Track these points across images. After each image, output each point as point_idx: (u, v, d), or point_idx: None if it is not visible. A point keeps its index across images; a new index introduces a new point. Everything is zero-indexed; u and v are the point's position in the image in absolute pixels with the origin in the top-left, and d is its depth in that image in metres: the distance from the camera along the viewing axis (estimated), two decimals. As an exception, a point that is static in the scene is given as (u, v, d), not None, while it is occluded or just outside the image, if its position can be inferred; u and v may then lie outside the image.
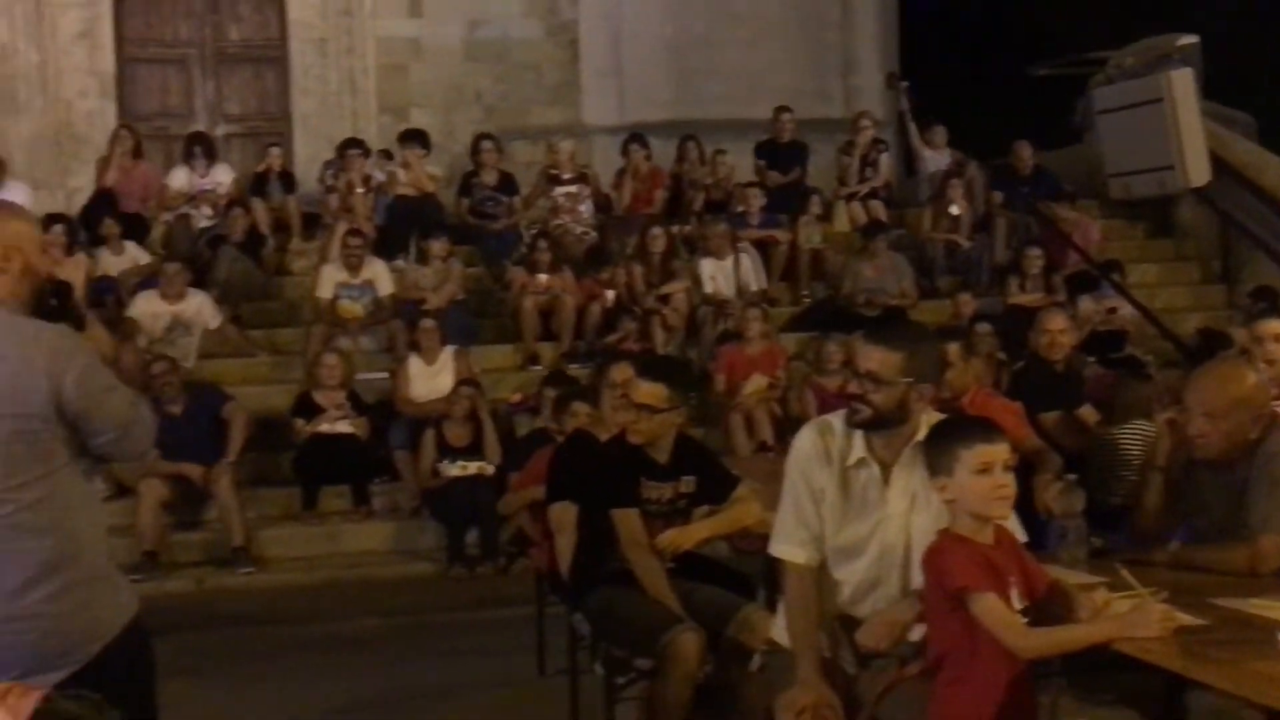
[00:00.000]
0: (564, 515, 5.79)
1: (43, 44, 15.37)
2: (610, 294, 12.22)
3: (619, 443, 5.49)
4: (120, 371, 4.18)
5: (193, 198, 13.30)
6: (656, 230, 12.70)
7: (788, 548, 4.08)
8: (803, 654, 3.99)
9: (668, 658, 5.04)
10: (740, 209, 13.46)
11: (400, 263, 12.43)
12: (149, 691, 3.72)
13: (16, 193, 12.40)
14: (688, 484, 5.49)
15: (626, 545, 5.30)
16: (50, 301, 3.78)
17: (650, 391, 5.30)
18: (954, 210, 13.72)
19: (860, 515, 4.04)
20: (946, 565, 3.59)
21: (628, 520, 5.30)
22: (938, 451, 3.73)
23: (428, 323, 11.15)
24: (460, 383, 10.59)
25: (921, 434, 3.98)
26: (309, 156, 14.91)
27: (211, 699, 6.34)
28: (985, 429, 3.76)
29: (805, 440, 4.12)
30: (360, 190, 13.01)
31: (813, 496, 4.04)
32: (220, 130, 15.48)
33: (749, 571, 5.79)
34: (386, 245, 12.61)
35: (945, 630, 3.66)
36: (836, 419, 4.13)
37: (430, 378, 10.82)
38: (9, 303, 3.57)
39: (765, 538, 5.64)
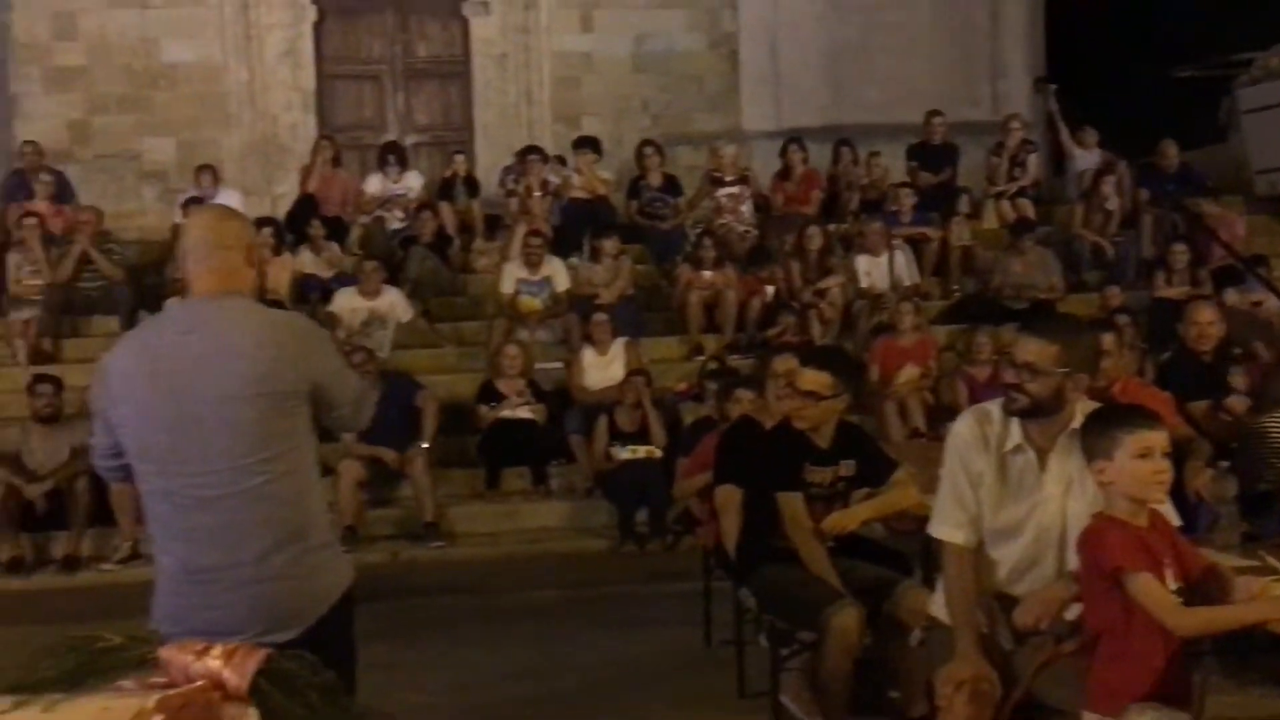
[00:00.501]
0: (729, 497, 5.81)
1: (251, 63, 15.78)
2: (770, 289, 12.19)
3: (783, 429, 5.49)
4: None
5: (386, 202, 13.57)
6: (813, 229, 12.64)
7: (947, 529, 4.04)
8: (961, 630, 3.95)
9: (829, 631, 5.04)
10: (893, 208, 13.33)
11: (575, 260, 12.53)
12: (353, 654, 3.82)
13: (229, 198, 12.79)
14: (848, 467, 5.47)
15: (790, 526, 5.30)
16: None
17: (815, 379, 5.30)
18: (1109, 206, 13.41)
19: (1016, 499, 3.99)
20: (1103, 546, 3.53)
21: (791, 503, 5.30)
22: (1098, 436, 3.66)
23: (600, 316, 11.24)
24: (630, 373, 10.67)
25: (1077, 422, 3.91)
26: (490, 163, 15.08)
27: (405, 662, 6.47)
28: (1146, 415, 3.70)
29: (964, 427, 4.07)
30: (538, 194, 13.14)
31: (971, 481, 3.99)
32: (409, 140, 15.71)
33: (905, 551, 5.74)
34: (562, 244, 12.71)
35: (1101, 609, 3.60)
36: (994, 406, 4.08)
37: (602, 368, 10.91)
38: (248, 294, 3.76)
39: (921, 519, 5.60)
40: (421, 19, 16.32)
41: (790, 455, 5.37)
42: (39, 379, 10.19)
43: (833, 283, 12.16)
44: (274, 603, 3.63)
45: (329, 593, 3.75)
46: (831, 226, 13.12)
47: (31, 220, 12.27)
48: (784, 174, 13.83)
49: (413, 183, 13.85)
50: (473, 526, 10.29)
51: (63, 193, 13.23)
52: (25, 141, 14.00)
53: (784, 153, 13.92)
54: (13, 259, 12.13)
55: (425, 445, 10.13)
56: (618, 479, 10.05)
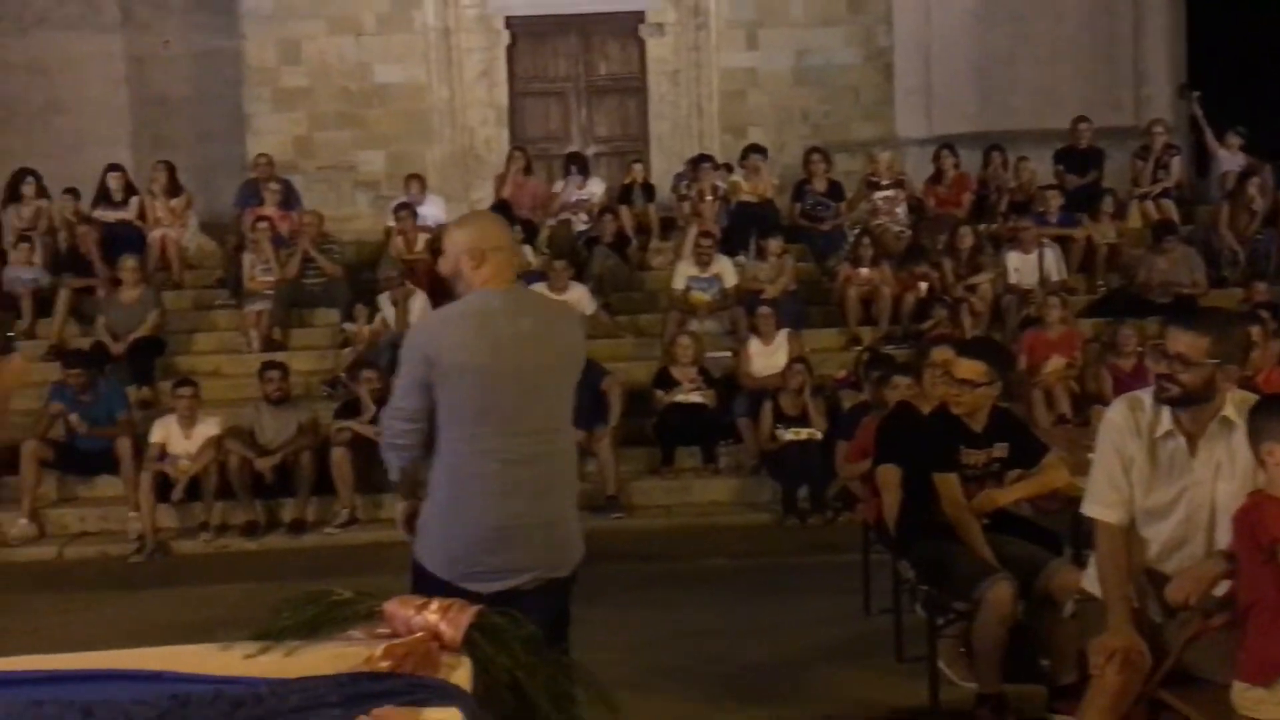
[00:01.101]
0: (889, 476, 5.74)
1: (452, 83, 16.05)
2: (924, 285, 12.00)
3: (940, 414, 5.42)
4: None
5: (571, 206, 13.69)
6: (965, 229, 12.42)
7: (1100, 508, 3.95)
8: (1114, 603, 3.86)
9: (985, 602, 4.97)
10: (1041, 209, 13.01)
11: (742, 259, 12.46)
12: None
13: (434, 204, 13.06)
14: (1001, 450, 5.39)
15: (947, 504, 5.23)
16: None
17: (971, 368, 5.23)
18: (1255, 207, 12.92)
19: (1167, 482, 3.88)
20: (1261, 520, 3.46)
21: (948, 483, 5.23)
22: (1272, 419, 3.58)
23: (765, 310, 11.18)
24: (792, 361, 10.60)
25: (1227, 410, 3.80)
26: (663, 170, 15.11)
27: (591, 620, 6.50)
28: None
29: (1117, 414, 3.97)
30: (709, 198, 13.11)
31: (1123, 464, 3.90)
32: (591, 150, 15.84)
33: (1053, 530, 5.63)
34: (730, 244, 12.65)
35: (1255, 582, 3.51)
36: (1145, 395, 3.97)
37: (767, 356, 10.86)
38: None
39: (1069, 500, 5.55)
40: (603, 40, 16.44)
41: (947, 438, 5.30)
42: (269, 365, 10.46)
43: (983, 279, 11.93)
44: (560, 546, 3.92)
45: (582, 544, 4.06)
46: (982, 226, 12.86)
47: (263, 224, 12.64)
48: (936, 178, 13.60)
49: (595, 189, 13.93)
50: (649, 500, 10.34)
51: (289, 199, 13.56)
52: (258, 154, 14.45)
53: (936, 158, 13.69)
54: (247, 258, 12.48)
55: (610, 426, 10.23)
56: (781, 458, 10.00)
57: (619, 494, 10.11)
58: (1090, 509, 3.99)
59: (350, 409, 10.15)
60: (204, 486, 9.86)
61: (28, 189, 13.20)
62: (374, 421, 9.70)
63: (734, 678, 6.00)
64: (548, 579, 3.85)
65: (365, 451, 9.53)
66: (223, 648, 3.27)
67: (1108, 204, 13.07)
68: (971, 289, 11.80)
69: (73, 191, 13.45)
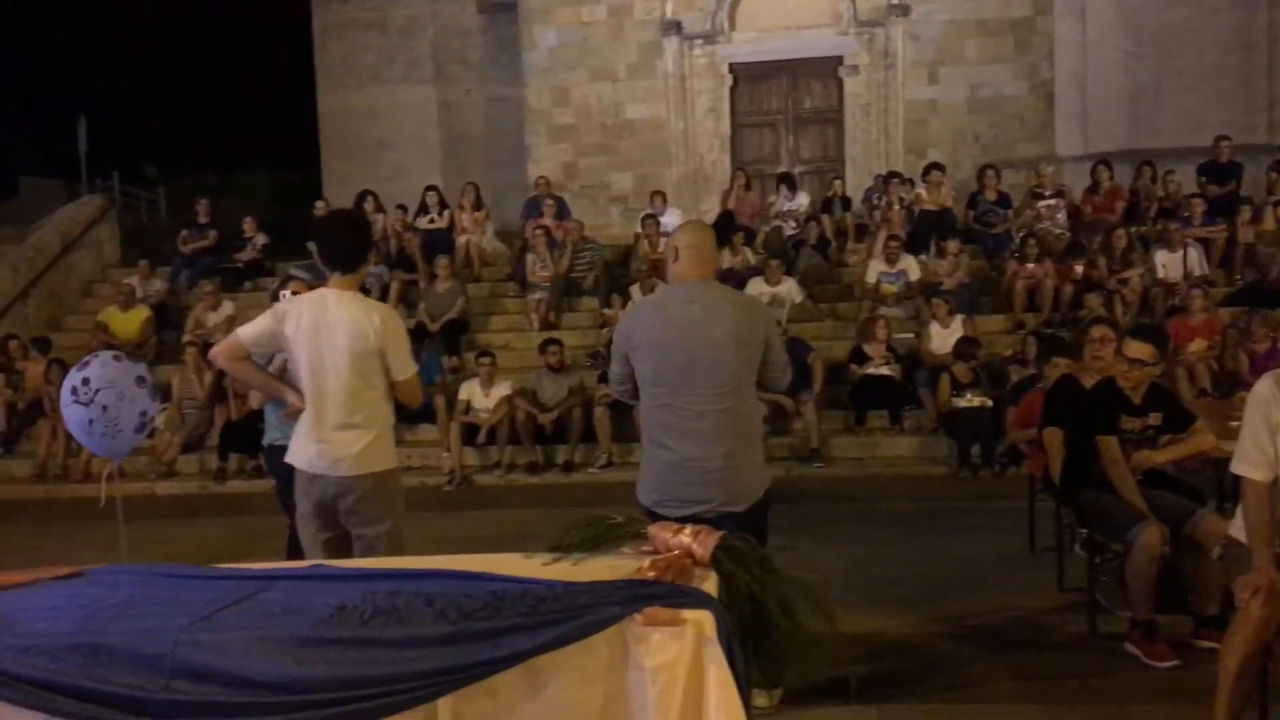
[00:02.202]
0: (1054, 437, 5.53)
1: (685, 117, 16.15)
2: (1078, 268, 11.44)
3: (1104, 386, 5.18)
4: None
5: (782, 215, 13.59)
6: (1119, 230, 11.77)
7: (1247, 467, 3.71)
8: (1258, 547, 3.63)
9: (1137, 543, 4.76)
10: (1185, 214, 12.22)
11: (924, 257, 12.13)
12: (765, 536, 3.98)
13: (673, 214, 13.16)
14: (1155, 418, 5.12)
15: (1106, 463, 5.00)
16: None
17: (1140, 349, 4.98)
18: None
19: (1305, 444, 3.63)
20: None
21: (1109, 444, 5.01)
22: None
23: (943, 299, 10.87)
24: (964, 339, 10.28)
25: None
26: (856, 185, 14.85)
27: (800, 548, 6.49)
28: None
29: (1264, 387, 3.72)
30: (896, 207, 12.82)
31: (1269, 430, 3.65)
32: (797, 169, 15.70)
33: (1196, 486, 5.32)
34: (914, 245, 12.33)
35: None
36: None
37: (945, 337, 10.55)
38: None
39: (1210, 460, 5.31)
40: (808, 81, 16.29)
41: (1109, 407, 5.06)
42: (549, 341, 10.65)
43: (1134, 273, 11.27)
44: (730, 484, 3.92)
45: (761, 486, 4.03)
46: (1133, 229, 12.18)
47: (540, 231, 12.98)
48: (1093, 189, 12.91)
49: (802, 201, 13.78)
50: (845, 453, 10.19)
51: (561, 212, 13.81)
52: (538, 177, 14.81)
53: (1093, 172, 13.00)
54: (529, 258, 12.80)
55: (815, 392, 10.13)
56: (957, 421, 9.71)
57: (820, 447, 9.98)
58: (1239, 468, 3.76)
59: (608, 375, 10.30)
60: (498, 434, 10.15)
61: (368, 205, 13.87)
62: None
63: (914, 598, 5.88)
64: (724, 511, 3.85)
65: (621, 409, 9.69)
66: (525, 557, 3.39)
67: (1245, 210, 12.20)
68: (1123, 282, 11.17)
69: (402, 208, 14.00)
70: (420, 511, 9.02)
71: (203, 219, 14.09)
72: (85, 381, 5.93)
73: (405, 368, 4.24)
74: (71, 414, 6.03)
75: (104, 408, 5.99)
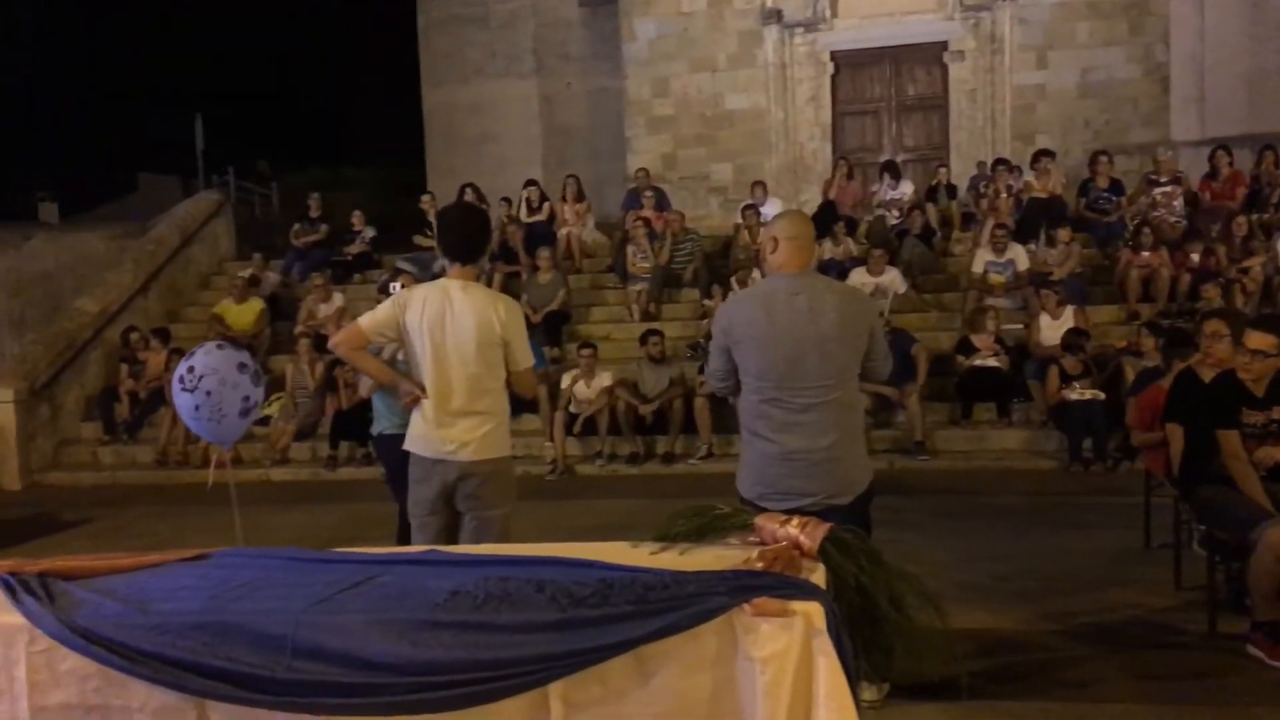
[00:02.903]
0: (1175, 431, 5.35)
1: (786, 107, 15.99)
2: (1194, 256, 11.04)
3: (1224, 378, 4.99)
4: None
5: (886, 204, 13.40)
6: (1240, 218, 11.31)
7: None
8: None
9: (1261, 542, 4.57)
10: (1310, 200, 11.72)
11: (1032, 246, 11.84)
12: (869, 528, 3.87)
13: (773, 205, 13.05)
14: (1279, 411, 4.90)
15: (1228, 457, 4.83)
16: None
17: (1262, 340, 4.79)
18: None
19: None
20: None
21: (1230, 439, 4.83)
22: None
23: (1053, 289, 10.58)
24: (1073, 331, 10.00)
25: None
26: (960, 173, 14.56)
27: (905, 541, 6.39)
28: None
29: None
30: (1003, 195, 12.53)
31: None
32: (900, 157, 15.43)
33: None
34: (1022, 233, 12.03)
35: None
36: None
37: (1055, 328, 10.28)
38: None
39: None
40: (911, 67, 16.00)
41: (1230, 400, 4.88)
42: (650, 331, 10.68)
43: (1255, 261, 10.83)
44: (835, 477, 3.87)
45: (865, 479, 3.95)
46: (1254, 216, 11.69)
47: (640, 223, 12.99)
48: (1211, 175, 12.44)
49: (905, 189, 13.56)
50: (950, 446, 10.01)
51: (661, 203, 13.82)
52: (638, 169, 14.84)
53: (1212, 157, 12.52)
54: (630, 249, 12.82)
55: (919, 384, 9.96)
56: (1068, 413, 9.46)
57: (925, 440, 9.82)
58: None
59: (707, 370, 10.29)
60: (599, 424, 10.23)
61: (468, 198, 14.03)
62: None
63: (1025, 595, 5.75)
64: (828, 505, 3.79)
65: (721, 400, 9.63)
66: (632, 546, 3.40)
67: (1373, 194, 11.65)
68: (1244, 271, 10.74)
69: (506, 200, 14.17)
70: (523, 500, 9.09)
71: (314, 213, 14.46)
72: (190, 370, 6.16)
73: (525, 358, 4.35)
74: (180, 401, 6.30)
75: (207, 393, 6.20)
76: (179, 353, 11.53)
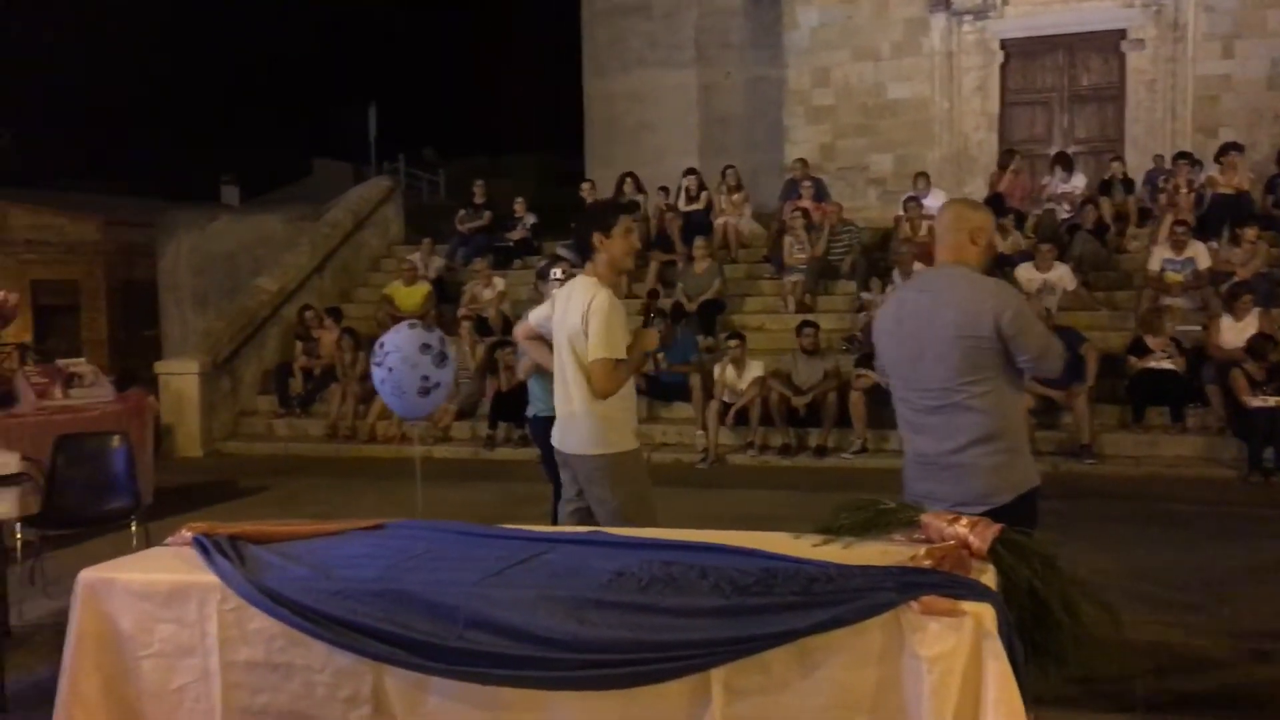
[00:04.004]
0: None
1: (951, 96, 15.63)
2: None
3: None
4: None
5: (1057, 197, 12.92)
6: None
7: None
8: None
9: None
10: None
11: (1214, 244, 11.22)
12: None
13: (937, 196, 12.72)
14: None
15: None
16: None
17: None
18: None
19: None
20: None
21: None
22: None
23: (1241, 289, 9.98)
24: (1259, 334, 9.43)
25: None
26: (1136, 166, 13.89)
27: (1069, 549, 6.11)
28: None
29: None
30: (1185, 190, 11.92)
31: None
32: (1071, 149, 14.86)
33: None
34: (1203, 230, 11.43)
35: None
36: None
37: (1238, 331, 9.71)
38: (972, 265, 3.72)
39: None
40: (1086, 56, 15.43)
41: None
42: (805, 323, 10.57)
43: None
44: (963, 484, 3.66)
45: (1014, 486, 3.66)
46: None
47: (798, 213, 12.87)
48: None
49: (1078, 182, 13.06)
50: (1119, 450, 9.58)
51: (820, 194, 13.67)
52: (796, 159, 14.69)
53: None
54: (786, 240, 12.71)
55: (1087, 384, 9.57)
56: (1249, 421, 8.92)
57: (1092, 443, 9.43)
58: None
59: (866, 360, 10.13)
60: (751, 414, 10.18)
61: (627, 187, 14.19)
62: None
63: (1201, 607, 5.47)
64: (962, 512, 3.56)
65: (878, 395, 9.50)
66: (794, 537, 3.38)
67: None
68: None
69: (664, 189, 14.26)
70: (673, 487, 9.19)
71: (478, 200, 14.83)
72: (381, 345, 6.58)
73: (592, 350, 4.27)
74: (374, 374, 6.72)
75: (390, 369, 6.58)
76: (350, 332, 12.04)
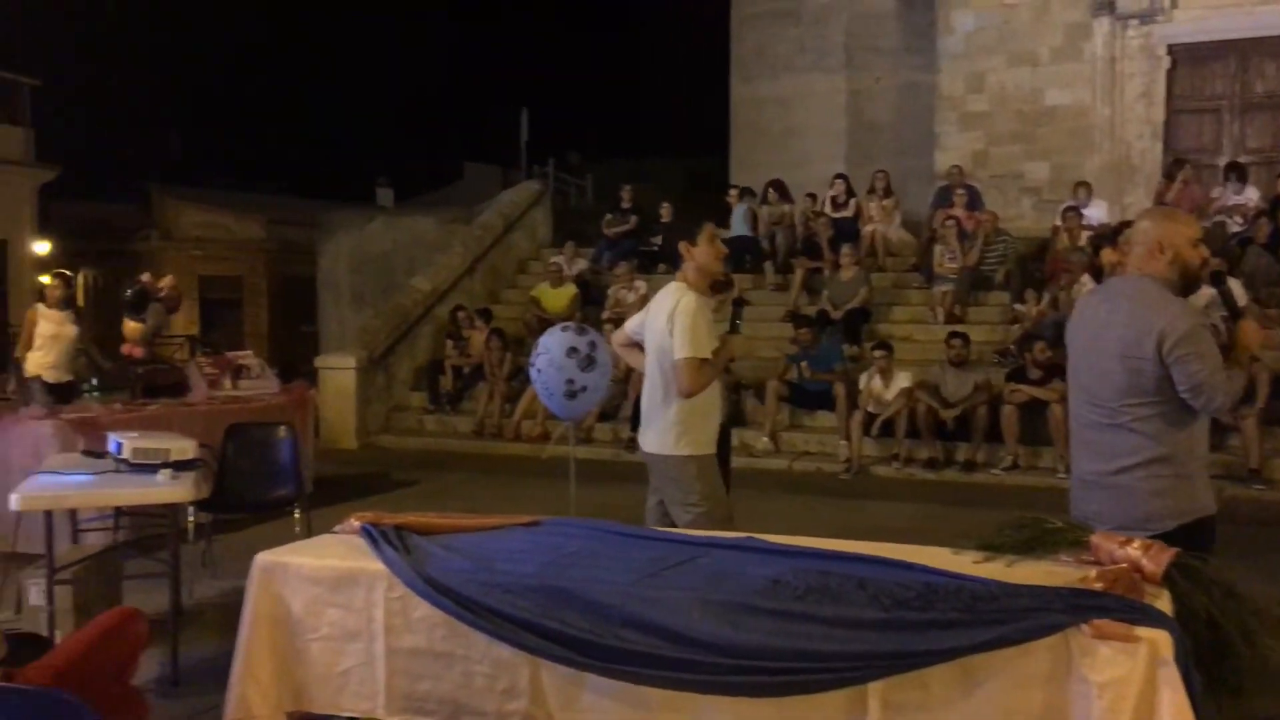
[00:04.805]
0: None
1: (1113, 103, 15.03)
2: None
3: None
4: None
5: (1228, 209, 12.30)
6: None
7: None
8: None
9: None
10: None
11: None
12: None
13: (1098, 207, 12.28)
14: None
15: None
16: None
17: None
18: None
19: None
20: None
21: None
22: None
23: None
24: None
25: None
26: (1314, 178, 13.15)
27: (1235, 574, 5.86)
28: None
29: None
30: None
31: None
32: (1242, 159, 14.12)
33: None
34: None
35: None
36: None
37: None
38: (1157, 279, 3.51)
39: None
40: (1260, 61, 14.63)
41: None
42: (955, 334, 10.30)
43: None
44: (1126, 504, 3.48)
45: (1178, 511, 3.46)
46: None
47: (950, 222, 12.58)
48: None
49: (1251, 195, 12.38)
50: (1293, 477, 9.08)
51: (974, 202, 13.34)
52: (951, 166, 14.38)
53: None
54: (937, 249, 12.43)
55: (1257, 406, 9.07)
56: None
57: (1260, 468, 8.94)
58: None
59: (1019, 374, 9.86)
60: (897, 426, 10.00)
61: (771, 196, 14.12)
62: (1041, 383, 9.40)
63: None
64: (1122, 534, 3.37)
65: (1031, 409, 9.24)
66: (955, 552, 3.31)
67: None
68: None
69: (811, 196, 14.16)
70: (815, 496, 9.17)
71: (625, 204, 14.98)
72: (536, 346, 6.69)
73: (677, 349, 4.40)
74: (530, 373, 7.02)
75: (539, 370, 6.88)
76: (499, 333, 12.31)
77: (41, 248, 22.92)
